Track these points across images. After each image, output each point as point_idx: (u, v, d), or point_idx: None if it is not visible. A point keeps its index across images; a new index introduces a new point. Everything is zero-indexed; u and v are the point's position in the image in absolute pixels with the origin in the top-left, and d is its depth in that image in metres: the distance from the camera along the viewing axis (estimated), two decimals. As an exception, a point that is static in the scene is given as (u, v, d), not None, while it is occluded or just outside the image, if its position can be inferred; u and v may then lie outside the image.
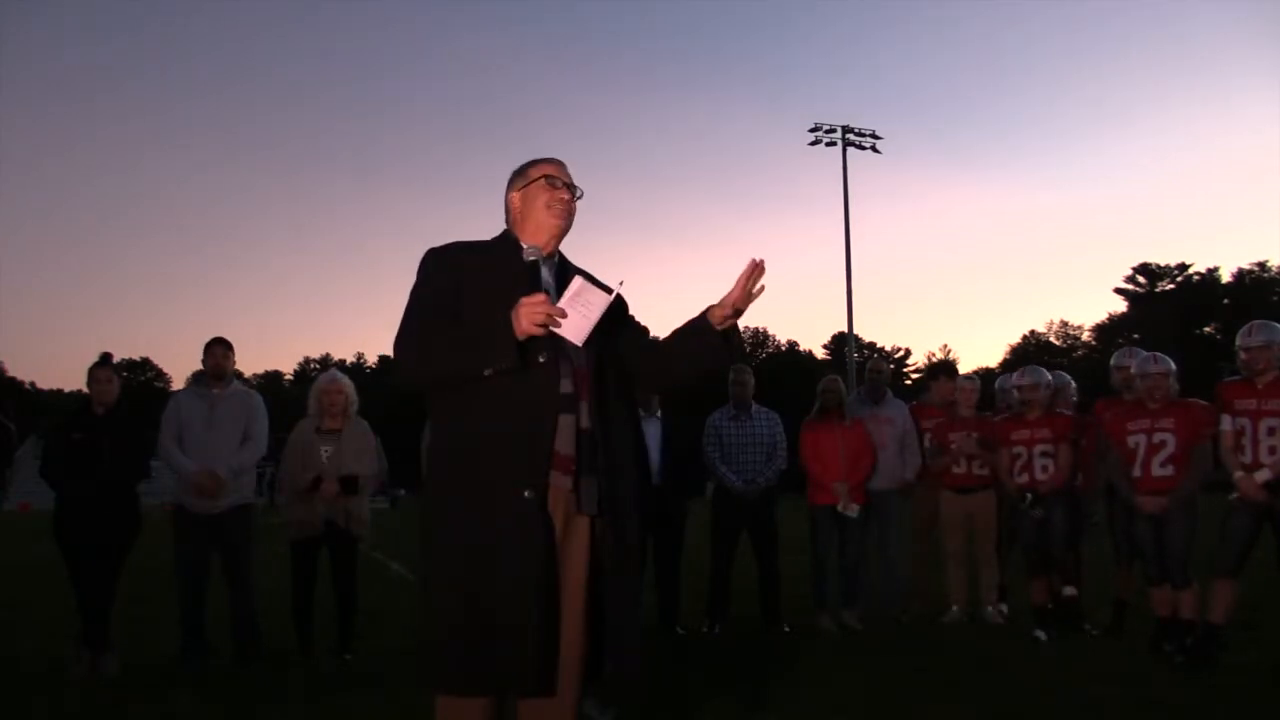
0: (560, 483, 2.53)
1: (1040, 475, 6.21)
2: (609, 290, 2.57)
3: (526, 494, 2.47)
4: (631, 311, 2.85)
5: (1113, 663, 5.43)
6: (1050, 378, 6.57)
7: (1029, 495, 6.20)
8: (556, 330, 2.47)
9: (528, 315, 2.42)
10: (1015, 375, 6.61)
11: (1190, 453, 5.53)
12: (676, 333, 2.72)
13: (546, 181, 2.73)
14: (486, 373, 2.47)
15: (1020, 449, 6.32)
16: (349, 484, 5.68)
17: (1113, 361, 6.71)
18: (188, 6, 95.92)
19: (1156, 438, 5.61)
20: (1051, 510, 6.17)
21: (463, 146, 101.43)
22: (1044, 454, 6.24)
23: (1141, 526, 5.65)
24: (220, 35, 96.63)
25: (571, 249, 2.82)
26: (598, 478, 2.57)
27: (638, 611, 2.69)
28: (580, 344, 2.53)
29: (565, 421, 2.54)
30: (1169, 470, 5.56)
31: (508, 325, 2.43)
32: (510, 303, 2.45)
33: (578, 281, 2.54)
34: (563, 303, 2.49)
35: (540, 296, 2.45)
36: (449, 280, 2.62)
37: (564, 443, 2.54)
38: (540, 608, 2.45)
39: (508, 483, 2.47)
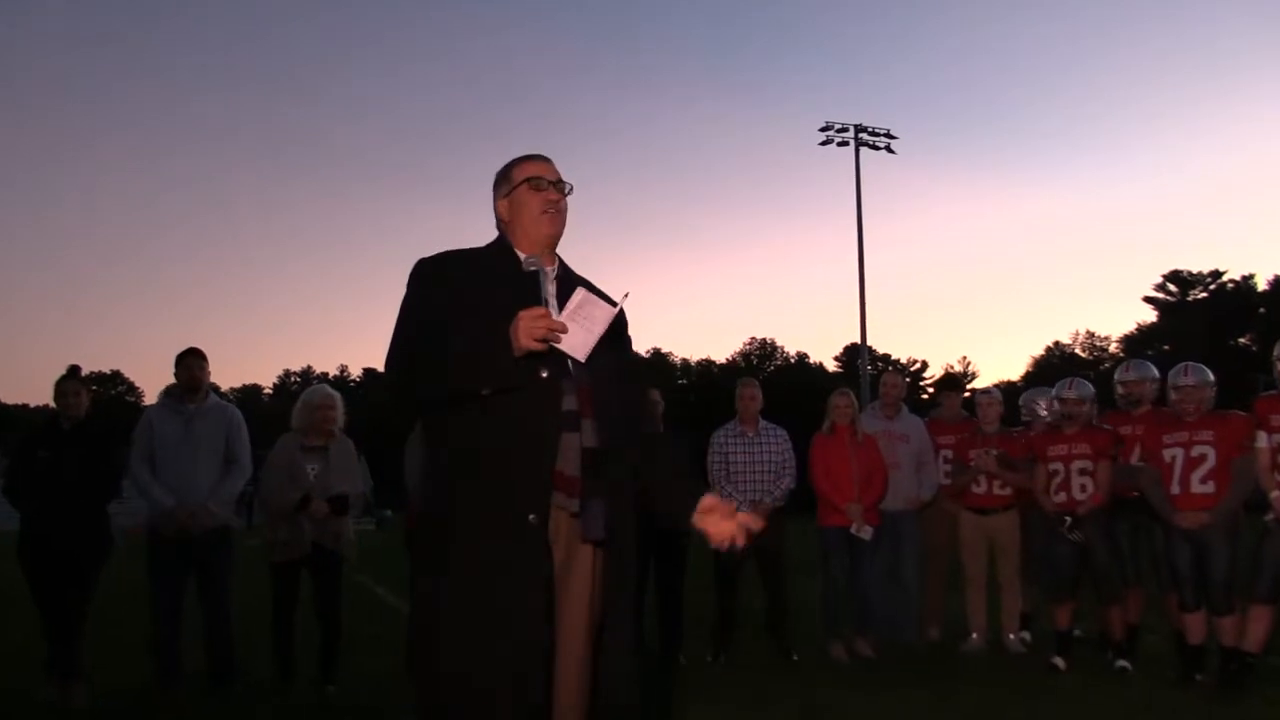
0: (565, 505, 2.50)
1: (1079, 494, 6.15)
2: (613, 303, 2.57)
3: (531, 518, 2.45)
4: (632, 320, 2.84)
5: (1140, 693, 5.44)
6: (1094, 391, 6.58)
7: (1067, 518, 6.13)
8: (557, 345, 2.47)
9: (526, 330, 2.39)
10: (1059, 387, 6.62)
11: (1231, 467, 5.53)
12: (667, 475, 2.75)
13: (531, 185, 2.69)
14: (485, 391, 2.46)
15: (1058, 465, 6.27)
16: (338, 504, 5.71)
17: (1116, 376, 6.73)
18: (161, 11, 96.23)
19: (1195, 451, 5.60)
20: (1091, 533, 6.10)
21: (454, 148, 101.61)
22: (1082, 471, 6.19)
23: (1178, 547, 5.63)
24: (191, 40, 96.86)
25: (571, 254, 2.83)
26: (603, 500, 2.55)
27: (633, 666, 2.66)
28: (583, 359, 2.52)
29: (568, 440, 2.52)
30: (1209, 486, 5.54)
31: (506, 341, 2.41)
32: (508, 316, 2.42)
33: (580, 293, 2.54)
34: (564, 316, 2.49)
35: (540, 310, 2.43)
36: (441, 293, 2.60)
37: (567, 463, 2.51)
38: (544, 640, 2.45)
39: (509, 506, 2.46)
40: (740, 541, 2.63)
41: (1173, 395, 5.85)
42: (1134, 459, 6.22)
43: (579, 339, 2.50)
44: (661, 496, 2.76)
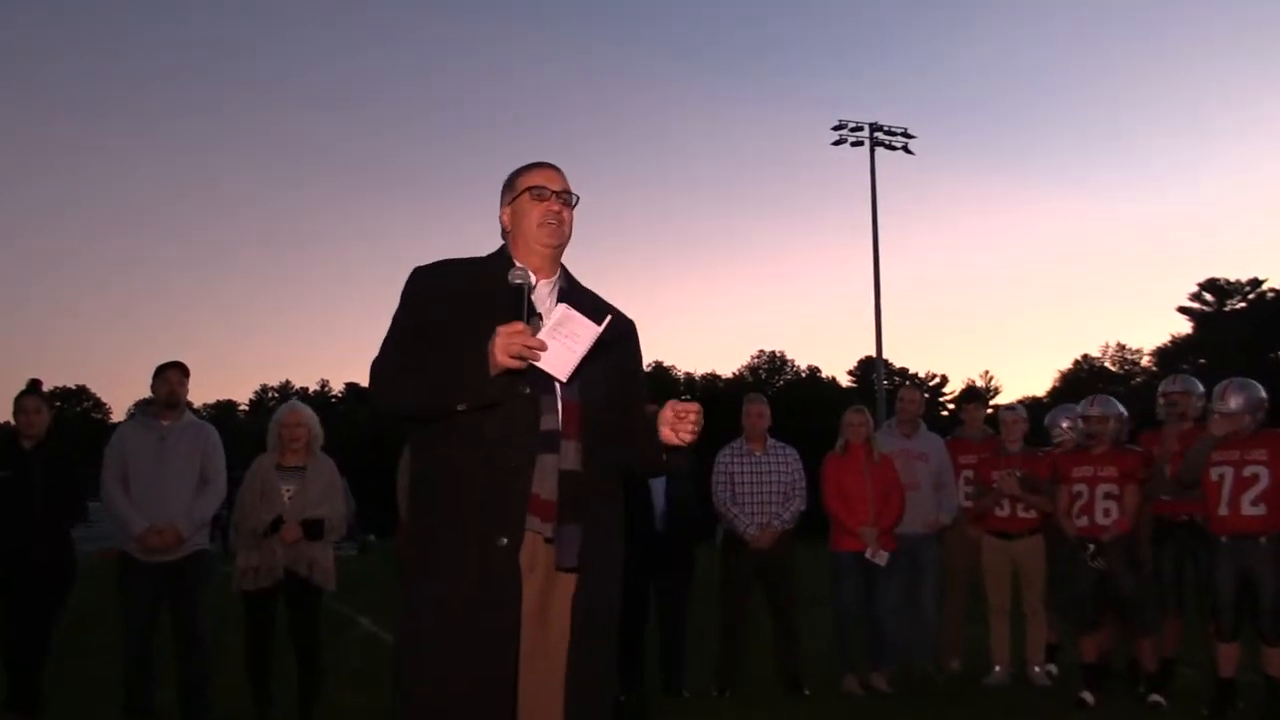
0: (539, 530, 2.55)
1: (1102, 519, 6.14)
2: (600, 320, 2.58)
3: (502, 541, 2.51)
4: (640, 334, 2.87)
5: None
6: (1122, 410, 6.57)
7: (1090, 545, 6.12)
8: (536, 364, 2.50)
9: (502, 346, 2.44)
10: (1083, 404, 6.62)
11: None
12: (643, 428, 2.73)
13: (533, 194, 2.74)
14: (460, 408, 2.51)
15: (1081, 487, 6.26)
16: (313, 528, 5.69)
17: (1161, 388, 6.72)
18: (138, 14, 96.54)
19: (1247, 471, 5.58)
20: (1115, 560, 6.08)
21: (441, 151, 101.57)
22: (1107, 495, 6.17)
23: (1224, 573, 5.61)
24: (167, 45, 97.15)
25: (574, 261, 2.84)
26: (582, 527, 2.58)
27: (605, 703, 2.69)
28: (564, 379, 2.55)
29: (546, 462, 2.56)
30: (1261, 509, 5.52)
31: (482, 357, 2.46)
32: (492, 331, 2.47)
33: (560, 310, 2.57)
34: (543, 334, 2.52)
35: (518, 326, 2.47)
36: (433, 303, 2.66)
37: (544, 485, 2.55)
38: (511, 667, 2.50)
39: (481, 528, 2.51)
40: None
41: (1215, 418, 5.80)
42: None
43: (560, 358, 2.52)
44: (638, 446, 2.71)
